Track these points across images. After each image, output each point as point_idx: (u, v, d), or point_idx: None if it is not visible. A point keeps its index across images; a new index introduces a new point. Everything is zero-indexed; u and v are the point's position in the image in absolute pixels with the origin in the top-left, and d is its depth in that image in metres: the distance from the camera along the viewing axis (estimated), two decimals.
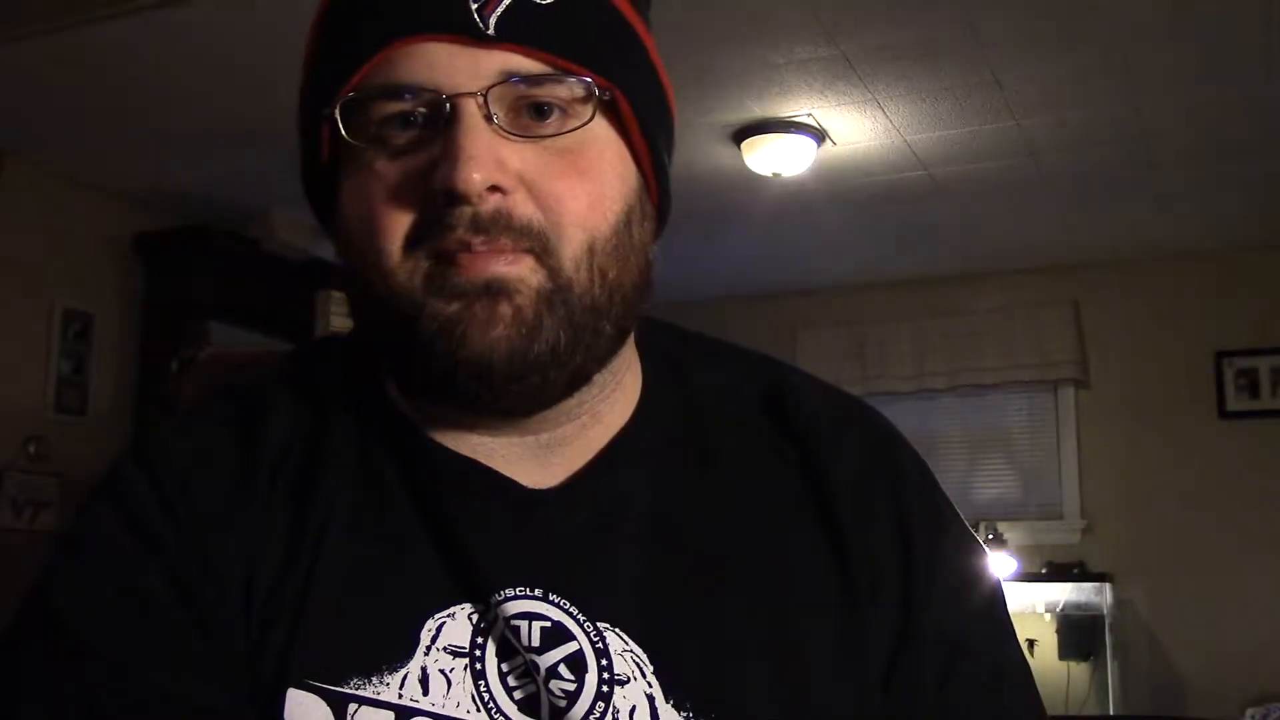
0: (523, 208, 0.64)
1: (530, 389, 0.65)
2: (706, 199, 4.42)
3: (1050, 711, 0.78)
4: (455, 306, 0.63)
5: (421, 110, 0.64)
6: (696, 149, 3.97)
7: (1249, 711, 4.36)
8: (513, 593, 0.67)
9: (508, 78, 0.63)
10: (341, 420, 0.72)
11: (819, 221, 4.72)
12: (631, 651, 0.67)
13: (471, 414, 0.68)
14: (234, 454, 0.70)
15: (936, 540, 0.73)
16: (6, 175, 4.01)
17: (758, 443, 0.74)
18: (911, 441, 0.81)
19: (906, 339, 5.39)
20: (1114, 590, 4.78)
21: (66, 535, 0.71)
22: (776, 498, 0.72)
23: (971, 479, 5.25)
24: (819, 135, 3.92)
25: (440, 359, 0.64)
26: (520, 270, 0.63)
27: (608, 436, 0.71)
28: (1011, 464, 5.29)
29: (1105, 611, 4.71)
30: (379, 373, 0.73)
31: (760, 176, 4.11)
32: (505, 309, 0.63)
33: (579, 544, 0.68)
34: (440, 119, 0.63)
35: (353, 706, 0.64)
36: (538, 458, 0.70)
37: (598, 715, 0.65)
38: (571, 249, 0.64)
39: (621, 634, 0.67)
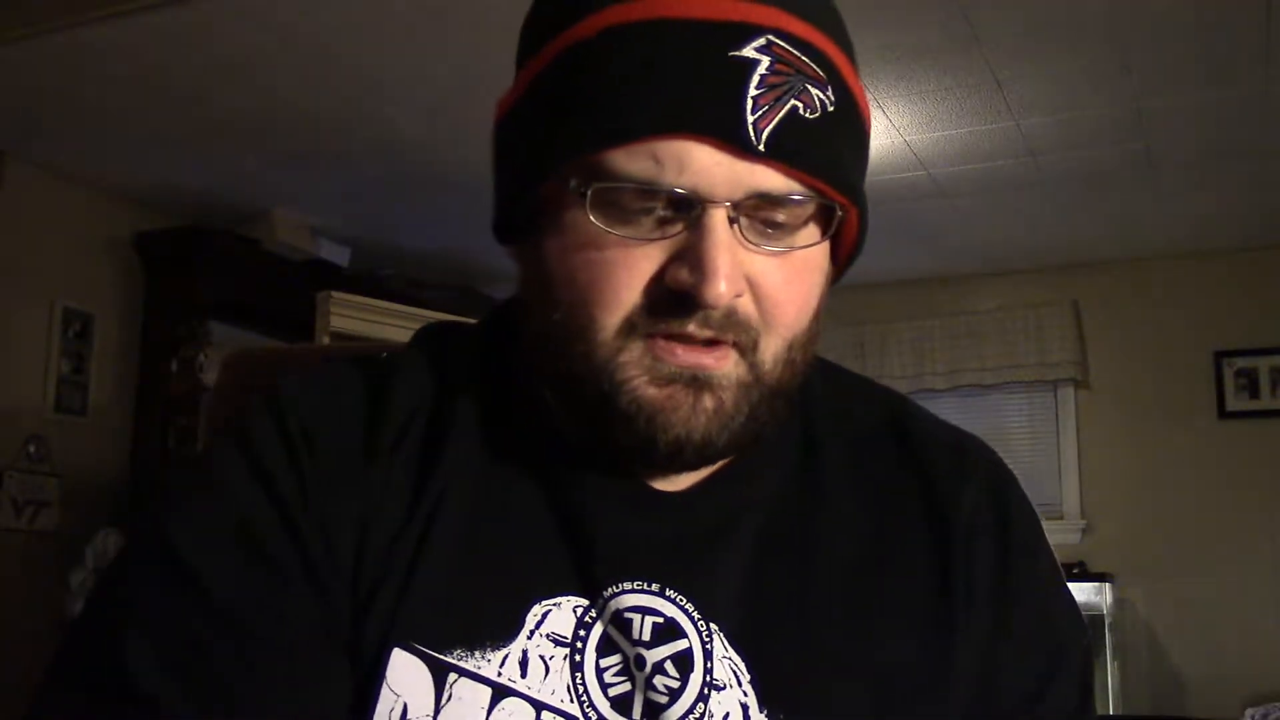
0: (746, 309, 0.66)
1: (711, 460, 0.70)
2: None
3: None
4: (663, 392, 0.66)
5: (667, 207, 0.65)
6: None
7: (1249, 711, 4.36)
8: (630, 586, 0.68)
9: (761, 195, 0.64)
10: (468, 397, 0.74)
11: None
12: (730, 659, 0.68)
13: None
14: (361, 414, 0.72)
15: (1030, 582, 0.76)
16: (6, 175, 4.01)
17: (874, 470, 0.76)
18: None
19: (906, 338, 5.39)
20: (1114, 590, 4.78)
21: (189, 467, 0.72)
22: (886, 525, 0.74)
23: None
24: None
25: (637, 435, 0.66)
26: (726, 365, 0.66)
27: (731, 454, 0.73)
28: (1011, 464, 5.16)
29: (1105, 611, 4.70)
30: (511, 359, 0.75)
31: None
32: (708, 401, 0.66)
33: (699, 545, 0.70)
34: (687, 216, 0.64)
35: (453, 676, 0.66)
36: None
37: (696, 716, 0.66)
38: (774, 349, 0.68)
39: (724, 639, 0.68)
